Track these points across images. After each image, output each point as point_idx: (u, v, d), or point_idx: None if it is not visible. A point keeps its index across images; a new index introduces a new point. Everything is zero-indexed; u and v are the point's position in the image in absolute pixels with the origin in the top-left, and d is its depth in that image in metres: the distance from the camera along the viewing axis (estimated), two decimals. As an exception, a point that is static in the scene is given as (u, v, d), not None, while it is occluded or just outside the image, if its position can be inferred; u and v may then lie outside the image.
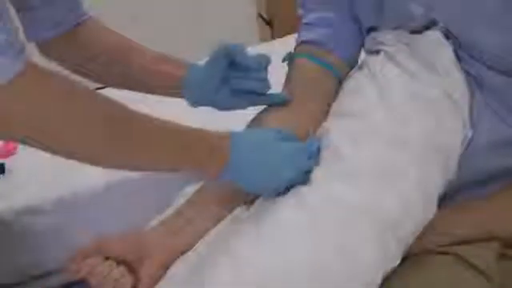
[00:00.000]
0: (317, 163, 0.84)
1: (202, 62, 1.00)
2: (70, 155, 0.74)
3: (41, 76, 0.71)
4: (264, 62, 0.95)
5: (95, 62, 1.05)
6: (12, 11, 1.02)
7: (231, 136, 0.82)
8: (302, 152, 0.84)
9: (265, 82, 0.97)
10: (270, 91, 0.98)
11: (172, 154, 0.79)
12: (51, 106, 0.70)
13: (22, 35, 0.99)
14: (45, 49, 1.06)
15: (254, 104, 0.99)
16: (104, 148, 0.74)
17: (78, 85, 0.74)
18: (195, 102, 1.01)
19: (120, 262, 0.79)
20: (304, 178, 0.83)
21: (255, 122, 0.95)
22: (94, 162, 0.77)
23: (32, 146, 0.73)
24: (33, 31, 1.02)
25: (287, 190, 0.83)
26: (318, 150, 0.86)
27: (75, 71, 1.09)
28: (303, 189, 0.81)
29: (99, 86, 1.15)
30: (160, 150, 0.78)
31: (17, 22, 1.03)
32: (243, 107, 1.00)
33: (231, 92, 0.98)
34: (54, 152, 0.74)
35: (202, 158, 0.80)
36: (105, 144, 0.74)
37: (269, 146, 0.83)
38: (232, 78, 0.96)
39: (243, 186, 0.83)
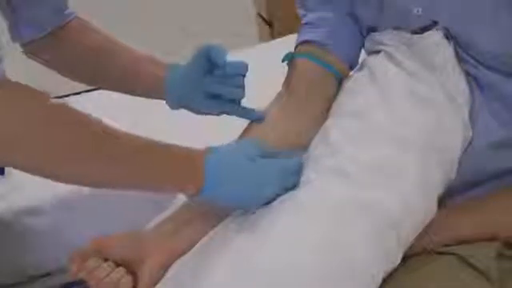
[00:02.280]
0: (299, 182, 0.82)
1: (183, 63, 1.00)
2: (40, 173, 0.74)
3: (15, 91, 0.70)
4: (242, 70, 0.95)
5: (78, 63, 1.06)
6: None
7: (207, 153, 0.79)
8: (284, 170, 0.81)
9: (239, 89, 0.97)
10: (269, 94, 0.97)
11: (142, 173, 0.77)
12: (23, 121, 0.69)
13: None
14: (29, 49, 1.06)
15: (227, 112, 0.99)
16: (74, 166, 0.73)
17: (54, 101, 0.72)
18: (174, 104, 1.01)
19: (119, 262, 0.79)
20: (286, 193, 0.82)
21: (254, 123, 0.94)
22: (65, 180, 0.76)
23: (4, 164, 0.72)
24: (17, 32, 1.02)
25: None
26: (300, 167, 0.84)
27: (59, 71, 1.09)
28: (303, 187, 0.81)
29: (90, 88, 1.16)
30: (132, 169, 0.76)
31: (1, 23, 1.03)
32: (216, 113, 1.00)
33: (205, 94, 0.97)
34: (24, 169, 0.72)
35: (176, 177, 0.78)
36: (76, 162, 0.73)
37: (246, 164, 0.80)
38: (208, 82, 0.96)
39: (222, 204, 0.81)
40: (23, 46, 1.05)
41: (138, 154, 0.76)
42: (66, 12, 1.05)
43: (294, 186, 0.82)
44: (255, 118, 0.94)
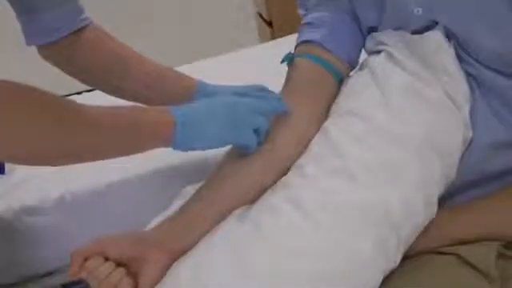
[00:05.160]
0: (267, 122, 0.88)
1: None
2: (19, 160, 0.76)
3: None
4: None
5: (95, 70, 1.05)
6: (12, 14, 1.02)
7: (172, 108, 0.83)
8: (254, 109, 0.86)
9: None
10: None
11: (111, 146, 0.79)
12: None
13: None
14: (45, 52, 1.06)
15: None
16: (53, 147, 0.74)
17: (26, 87, 0.73)
18: None
19: (120, 262, 0.79)
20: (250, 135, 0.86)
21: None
22: (48, 163, 0.78)
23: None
24: (33, 35, 1.02)
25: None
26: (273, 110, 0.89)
27: (77, 77, 1.08)
28: (303, 187, 0.81)
29: (91, 88, 1.15)
30: (97, 145, 0.78)
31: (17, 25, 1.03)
32: None
33: None
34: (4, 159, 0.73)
35: (148, 124, 0.80)
36: (54, 143, 0.73)
37: (218, 104, 0.86)
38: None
39: (197, 144, 0.84)
40: (38, 48, 1.05)
41: (108, 126, 0.77)
42: (82, 17, 1.05)
43: (262, 127, 0.87)
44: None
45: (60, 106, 0.75)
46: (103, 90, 1.10)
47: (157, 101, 1.03)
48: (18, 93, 0.72)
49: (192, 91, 1.04)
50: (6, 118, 0.69)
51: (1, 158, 0.75)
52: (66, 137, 0.74)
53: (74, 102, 0.76)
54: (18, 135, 0.70)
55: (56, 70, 1.10)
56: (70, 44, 1.03)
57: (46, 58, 1.07)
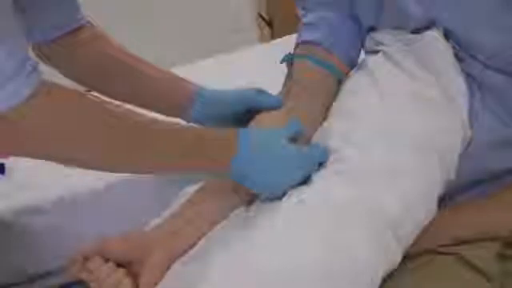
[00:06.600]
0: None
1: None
2: (86, 166, 0.78)
3: (54, 93, 0.72)
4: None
5: (89, 71, 1.05)
6: None
7: (238, 134, 0.82)
8: (311, 159, 0.83)
9: None
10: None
11: (173, 156, 0.79)
12: (66, 122, 0.72)
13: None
14: (39, 53, 1.05)
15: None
16: (119, 156, 0.77)
17: (90, 98, 0.75)
18: (192, 121, 1.03)
19: (120, 263, 0.79)
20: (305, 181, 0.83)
21: (255, 122, 0.94)
22: (109, 170, 0.81)
23: (46, 159, 0.74)
24: (27, 34, 1.02)
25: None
26: (327, 157, 0.84)
27: (69, 76, 1.08)
28: (303, 189, 0.81)
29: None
30: (162, 154, 0.78)
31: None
32: None
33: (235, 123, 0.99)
34: (69, 164, 0.76)
35: (202, 159, 0.80)
36: (120, 153, 0.76)
37: (277, 149, 0.82)
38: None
39: (247, 186, 0.83)
40: (33, 49, 1.04)
41: (164, 137, 0.79)
42: (78, 17, 1.03)
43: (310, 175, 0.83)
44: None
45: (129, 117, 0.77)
46: (98, 91, 1.10)
47: (151, 104, 1.04)
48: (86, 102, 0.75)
49: (190, 97, 1.03)
50: (77, 128, 0.73)
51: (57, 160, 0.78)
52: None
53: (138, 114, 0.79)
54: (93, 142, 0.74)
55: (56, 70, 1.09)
56: (65, 44, 1.03)
57: (39, 57, 1.06)
